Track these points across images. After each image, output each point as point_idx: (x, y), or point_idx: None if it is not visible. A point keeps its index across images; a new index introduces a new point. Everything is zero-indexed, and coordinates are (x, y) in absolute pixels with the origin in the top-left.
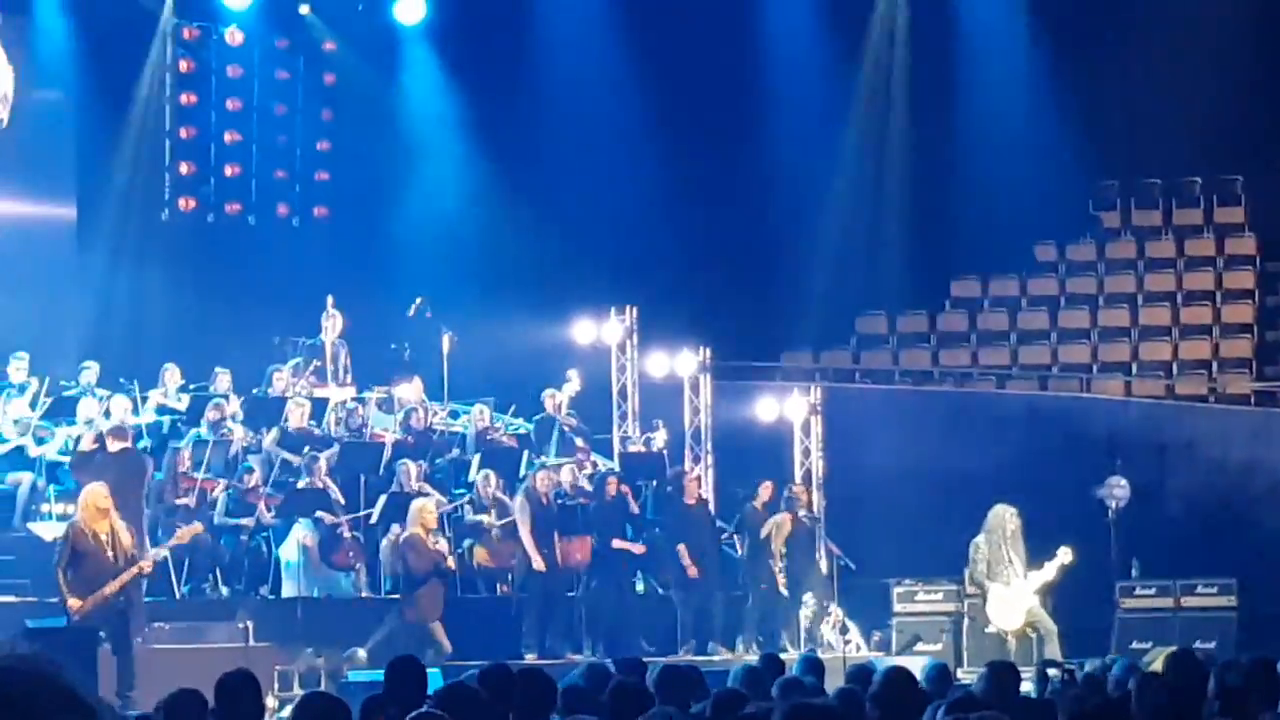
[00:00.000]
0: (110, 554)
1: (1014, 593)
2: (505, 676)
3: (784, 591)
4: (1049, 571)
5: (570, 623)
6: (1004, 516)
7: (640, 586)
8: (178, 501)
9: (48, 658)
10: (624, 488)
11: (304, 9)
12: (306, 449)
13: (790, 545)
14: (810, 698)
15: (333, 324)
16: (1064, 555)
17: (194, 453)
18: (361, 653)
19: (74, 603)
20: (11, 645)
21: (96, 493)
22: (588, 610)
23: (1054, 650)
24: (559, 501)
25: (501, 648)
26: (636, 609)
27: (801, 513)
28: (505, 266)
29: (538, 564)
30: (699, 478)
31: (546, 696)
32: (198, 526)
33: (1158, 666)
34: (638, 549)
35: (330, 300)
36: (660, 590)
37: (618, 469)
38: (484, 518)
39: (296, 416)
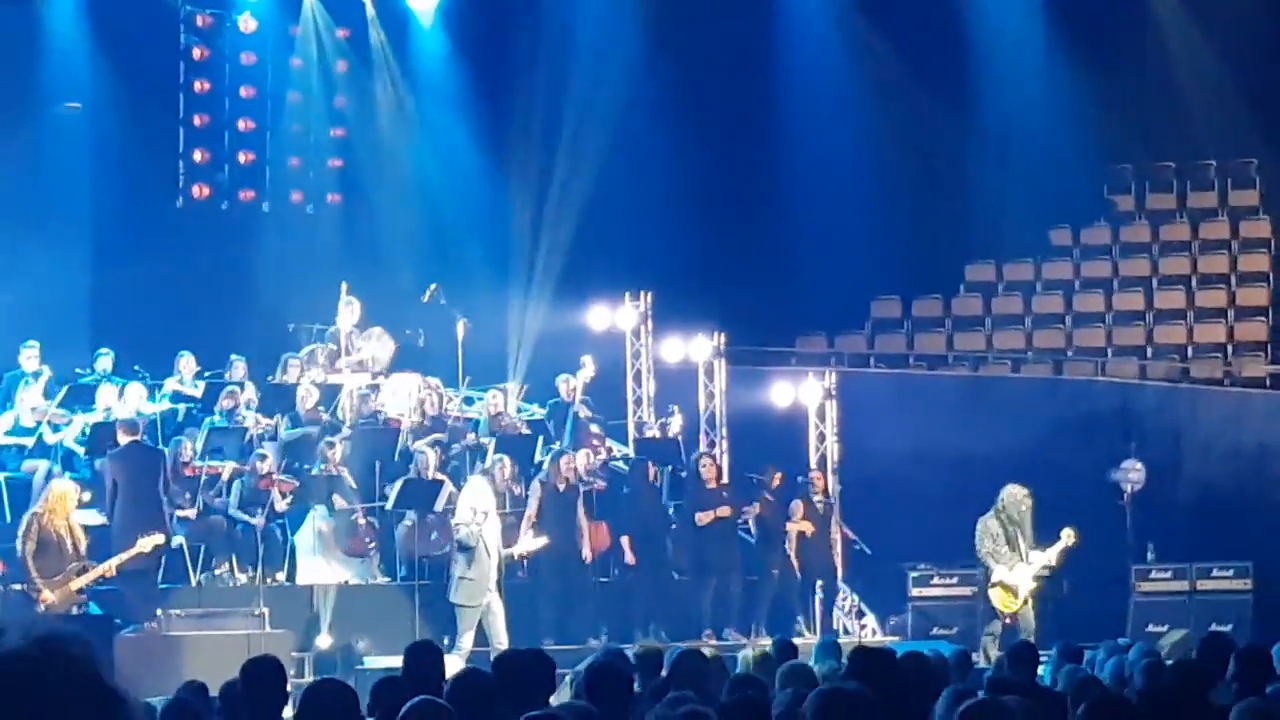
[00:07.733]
0: (71, 550)
1: (1016, 576)
2: (519, 662)
3: (797, 575)
4: (1051, 555)
5: (590, 608)
6: (1017, 497)
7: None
8: (187, 499)
9: (79, 639)
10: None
11: None
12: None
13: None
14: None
15: (350, 310)
16: (1067, 537)
17: (209, 440)
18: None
19: (47, 595)
20: (42, 627)
21: (68, 492)
22: (621, 596)
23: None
24: (586, 489)
25: (519, 634)
26: (672, 594)
27: (816, 498)
28: (519, 252)
29: (518, 550)
30: (717, 461)
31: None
32: (158, 537)
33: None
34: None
35: (345, 287)
36: (676, 575)
37: (633, 455)
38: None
39: (305, 403)
